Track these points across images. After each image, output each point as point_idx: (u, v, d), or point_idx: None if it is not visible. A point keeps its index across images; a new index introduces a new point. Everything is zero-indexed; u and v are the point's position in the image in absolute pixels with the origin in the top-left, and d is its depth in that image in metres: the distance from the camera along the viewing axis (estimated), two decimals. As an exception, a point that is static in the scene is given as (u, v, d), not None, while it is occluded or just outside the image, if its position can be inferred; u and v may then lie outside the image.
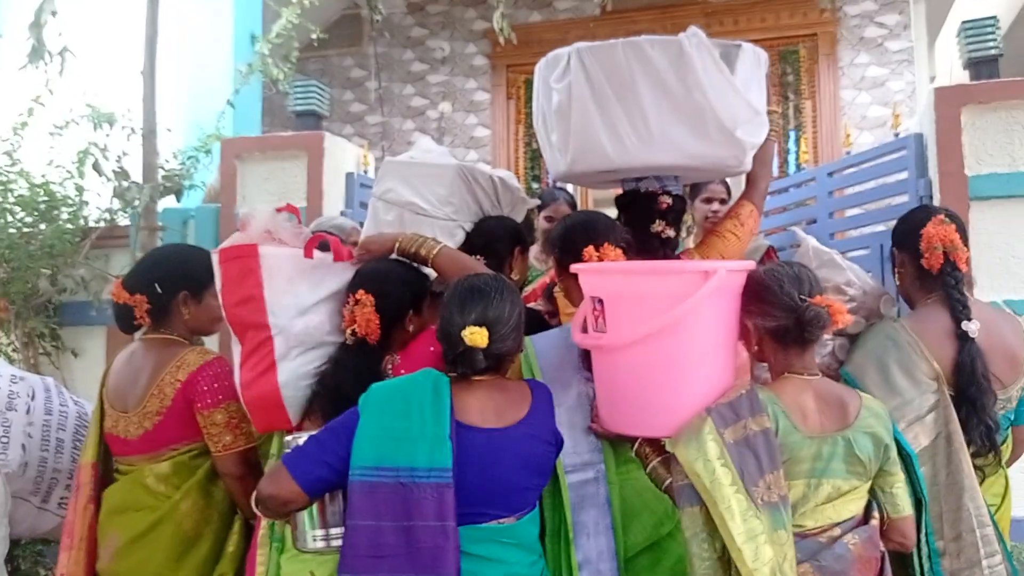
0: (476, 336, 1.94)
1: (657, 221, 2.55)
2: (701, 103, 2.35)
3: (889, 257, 2.57)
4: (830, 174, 4.32)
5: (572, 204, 3.97)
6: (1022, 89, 3.51)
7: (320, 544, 2.10)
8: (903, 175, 3.78)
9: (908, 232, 2.48)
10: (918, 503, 2.18)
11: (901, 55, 6.64)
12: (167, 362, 2.51)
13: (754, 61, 2.49)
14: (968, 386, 2.28)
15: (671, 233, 2.58)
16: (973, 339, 2.30)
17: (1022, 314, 3.23)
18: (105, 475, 2.63)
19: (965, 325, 2.31)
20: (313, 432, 2.09)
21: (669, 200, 2.57)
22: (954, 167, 3.46)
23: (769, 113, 2.65)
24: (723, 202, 3.80)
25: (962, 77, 3.83)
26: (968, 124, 3.52)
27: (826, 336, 2.29)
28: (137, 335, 2.69)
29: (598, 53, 2.44)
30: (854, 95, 6.67)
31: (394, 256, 2.46)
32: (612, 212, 2.70)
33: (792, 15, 6.84)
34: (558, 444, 2.11)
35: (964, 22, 3.75)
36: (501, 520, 1.97)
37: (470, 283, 2.08)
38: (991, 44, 3.66)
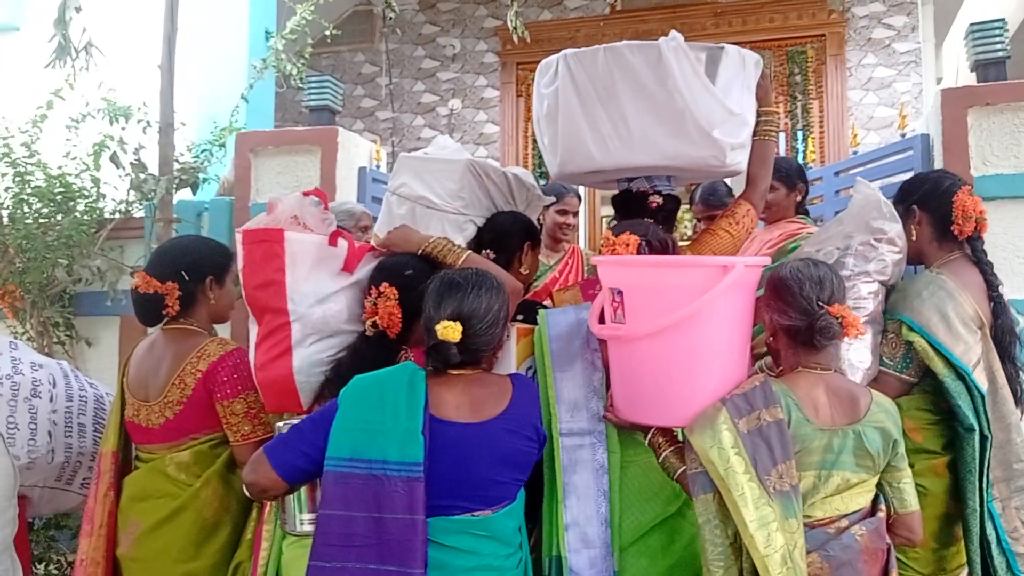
0: (448, 330, 1.96)
1: (646, 220, 2.58)
2: (679, 105, 2.41)
3: (903, 214, 2.63)
4: (837, 173, 4.36)
5: (579, 196, 4.03)
6: (1029, 91, 3.53)
7: (308, 528, 2.12)
8: (909, 175, 3.79)
9: (934, 195, 2.62)
10: (983, 439, 2.39)
11: (908, 56, 6.66)
12: (188, 352, 2.55)
13: (738, 63, 2.53)
14: (1002, 335, 2.50)
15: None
16: (1002, 296, 2.55)
17: (1024, 313, 3.31)
18: (125, 462, 2.68)
19: (1000, 289, 2.55)
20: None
21: (659, 200, 2.62)
22: (960, 168, 3.45)
23: (769, 114, 2.70)
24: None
25: (969, 79, 3.84)
26: (974, 125, 3.54)
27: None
28: (151, 328, 2.73)
29: (582, 59, 2.52)
30: (861, 96, 6.70)
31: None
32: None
33: (800, 16, 6.87)
34: (540, 439, 2.12)
35: (972, 24, 3.76)
36: (475, 513, 1.99)
37: (450, 277, 2.10)
38: (998, 46, 3.67)
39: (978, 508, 2.39)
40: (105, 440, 2.70)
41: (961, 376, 2.41)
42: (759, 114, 2.68)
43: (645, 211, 2.61)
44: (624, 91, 2.46)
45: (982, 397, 2.41)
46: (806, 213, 3.57)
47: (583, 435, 2.25)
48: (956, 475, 2.46)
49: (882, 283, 2.53)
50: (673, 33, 2.45)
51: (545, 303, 3.24)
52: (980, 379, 2.44)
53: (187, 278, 2.60)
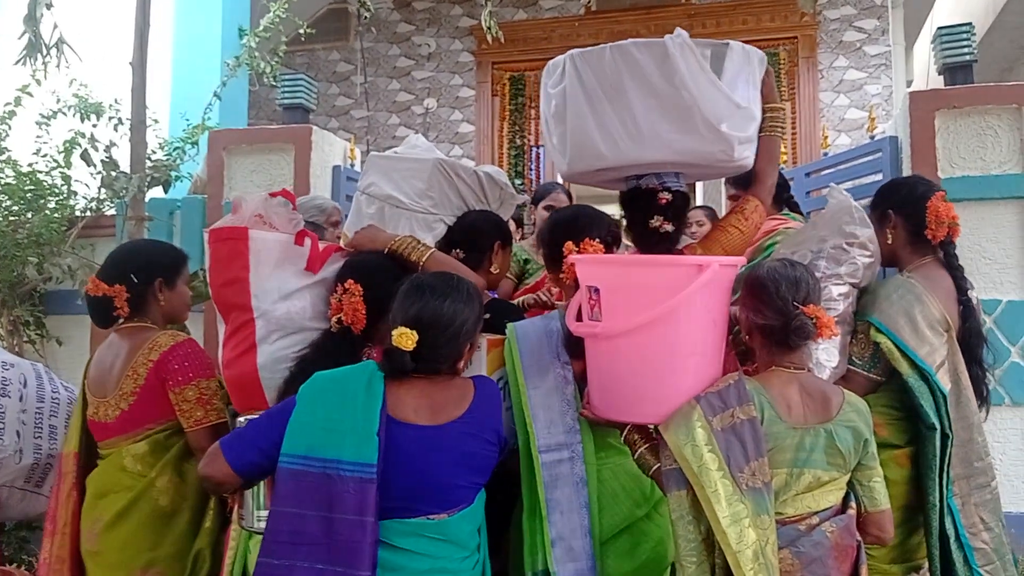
0: (403, 338, 1.95)
1: (656, 216, 2.58)
2: (687, 101, 2.41)
3: (878, 218, 2.70)
4: (808, 174, 4.40)
5: (568, 194, 4.01)
6: (995, 95, 3.58)
7: (264, 524, 2.08)
8: (878, 176, 3.85)
9: (909, 200, 2.68)
10: (944, 437, 2.45)
11: (879, 59, 6.74)
12: (140, 345, 2.56)
13: (743, 58, 2.53)
14: (970, 337, 2.58)
15: (670, 228, 2.60)
16: (971, 299, 2.62)
17: (991, 313, 3.37)
18: (88, 463, 2.67)
19: (971, 294, 2.62)
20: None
21: (668, 196, 2.59)
22: (927, 170, 3.51)
23: (775, 110, 2.71)
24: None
25: (937, 82, 3.90)
26: (942, 128, 3.59)
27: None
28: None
29: (589, 57, 2.52)
30: (832, 97, 6.77)
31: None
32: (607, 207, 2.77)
33: (773, 18, 6.93)
34: (500, 443, 2.10)
35: (940, 28, 3.81)
36: (431, 516, 1.97)
37: (419, 280, 2.09)
38: (966, 50, 3.72)
39: (938, 503, 2.45)
40: (67, 441, 2.70)
41: (924, 376, 2.47)
42: (765, 110, 2.67)
43: (653, 207, 2.59)
44: (632, 88, 2.45)
45: (944, 397, 2.47)
46: (794, 207, 3.55)
47: (561, 449, 2.24)
48: (918, 467, 2.53)
49: (853, 285, 2.58)
50: (678, 30, 2.44)
51: (514, 302, 3.26)
52: (944, 380, 2.50)
53: (135, 280, 2.61)
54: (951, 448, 2.47)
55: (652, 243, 2.60)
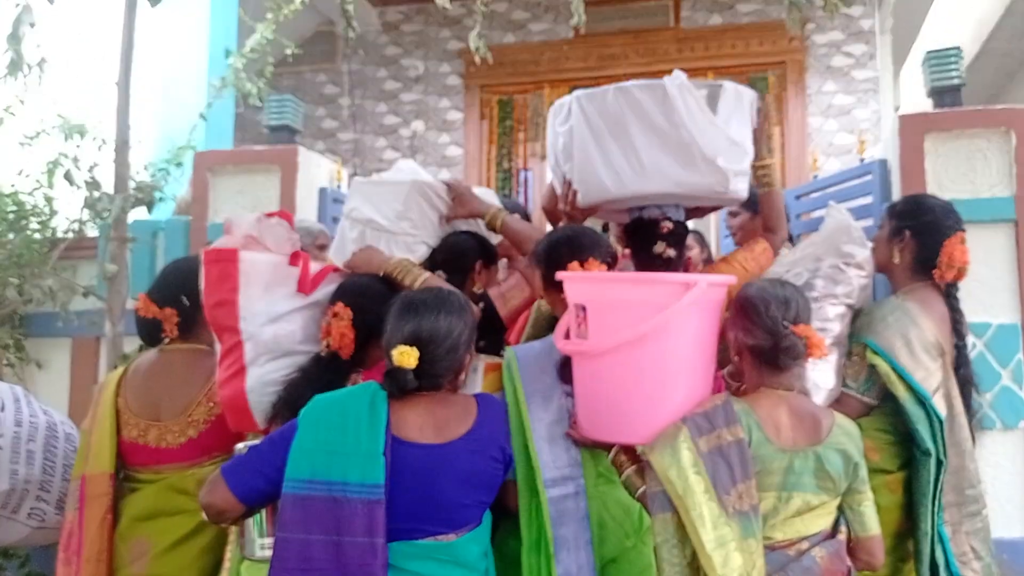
0: (404, 356, 1.94)
1: (659, 243, 2.68)
2: (685, 137, 2.55)
3: (891, 230, 2.71)
4: (798, 197, 4.39)
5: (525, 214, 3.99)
6: (984, 118, 3.59)
7: (267, 553, 2.08)
8: (868, 199, 3.84)
9: (930, 231, 2.64)
10: (938, 463, 2.43)
11: (867, 84, 6.77)
12: (211, 373, 2.53)
13: (735, 98, 2.65)
14: (962, 385, 2.56)
15: (672, 254, 2.69)
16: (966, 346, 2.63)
17: (982, 336, 3.35)
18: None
19: (967, 339, 2.63)
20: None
21: (670, 224, 2.70)
22: (917, 192, 3.50)
23: (765, 166, 2.77)
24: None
25: (926, 105, 3.91)
26: (931, 151, 3.59)
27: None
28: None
29: (593, 98, 2.67)
30: (821, 122, 6.79)
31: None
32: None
33: (762, 43, 6.95)
34: (505, 460, 2.09)
35: (929, 52, 3.82)
36: (439, 537, 1.95)
37: (410, 298, 2.08)
38: (954, 73, 3.73)
39: (929, 531, 2.42)
40: (97, 462, 2.60)
41: (921, 401, 2.45)
42: (756, 168, 2.77)
43: (656, 235, 2.69)
44: (634, 126, 2.61)
45: (940, 423, 2.45)
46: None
47: (566, 483, 2.20)
48: (909, 493, 2.50)
49: (849, 306, 2.58)
50: (676, 72, 2.59)
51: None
52: (939, 405, 2.48)
53: (187, 303, 2.61)
54: (944, 475, 2.44)
55: (655, 268, 2.67)
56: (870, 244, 2.73)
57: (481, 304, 2.72)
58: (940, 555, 2.43)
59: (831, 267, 2.58)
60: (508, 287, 2.76)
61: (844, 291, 2.55)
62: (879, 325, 2.52)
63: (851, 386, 2.54)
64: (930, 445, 2.42)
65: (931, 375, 2.49)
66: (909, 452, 2.51)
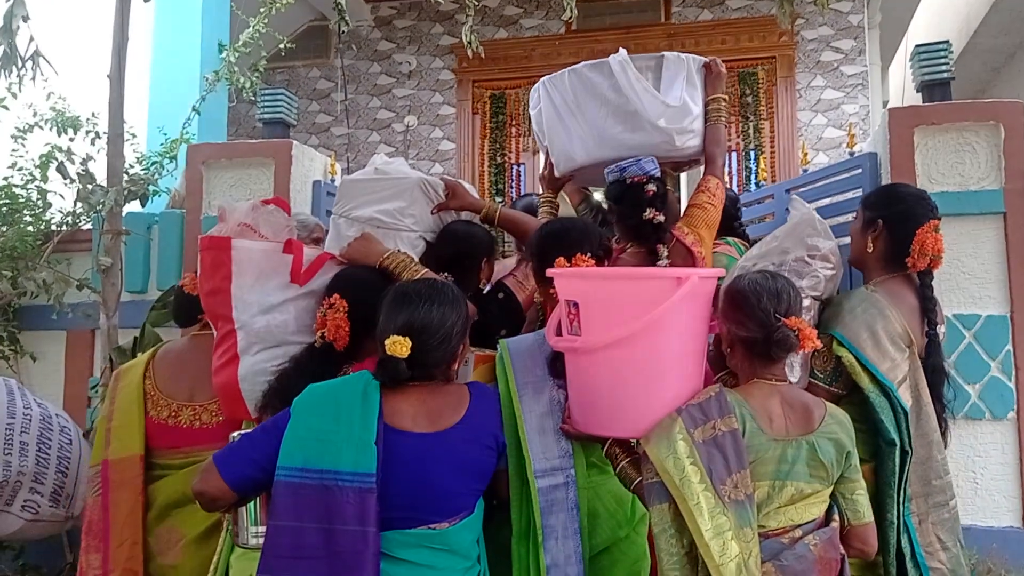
0: (396, 345, 1.94)
1: (647, 209, 2.75)
2: (631, 106, 2.90)
3: (865, 220, 2.72)
4: (787, 191, 4.41)
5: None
6: (973, 111, 3.60)
7: (260, 540, 2.06)
8: (857, 192, 3.86)
9: (902, 219, 2.64)
10: (903, 454, 2.43)
11: (855, 79, 6.81)
12: None
13: (677, 64, 2.98)
14: (931, 373, 2.54)
15: (661, 219, 2.75)
16: (938, 335, 2.60)
17: (971, 328, 3.38)
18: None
19: (939, 329, 2.61)
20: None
21: (653, 187, 2.77)
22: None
23: (716, 101, 3.02)
24: None
25: (915, 99, 3.93)
26: (920, 144, 3.60)
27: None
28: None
29: (555, 81, 3.11)
30: (810, 117, 6.83)
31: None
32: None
33: (752, 38, 6.99)
34: (499, 448, 2.10)
35: (918, 46, 3.84)
36: (432, 525, 1.96)
37: (403, 289, 2.09)
38: (943, 68, 3.75)
39: (895, 521, 2.43)
40: (127, 445, 2.55)
41: (885, 392, 2.45)
42: (707, 102, 3.03)
43: (642, 200, 2.76)
44: (589, 101, 2.99)
45: (905, 413, 2.45)
46: (741, 236, 3.81)
47: (556, 473, 2.21)
48: (877, 484, 2.49)
49: (815, 298, 2.57)
50: (620, 50, 2.97)
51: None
52: (905, 396, 2.48)
53: None
54: (910, 465, 2.45)
55: (646, 234, 2.75)
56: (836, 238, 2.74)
57: (501, 295, 2.74)
58: (906, 544, 2.43)
59: (796, 260, 2.57)
60: (522, 273, 2.79)
61: (810, 284, 2.55)
62: (847, 317, 2.52)
63: (819, 377, 2.53)
64: (894, 435, 2.41)
65: (897, 366, 2.48)
66: (877, 442, 2.50)
